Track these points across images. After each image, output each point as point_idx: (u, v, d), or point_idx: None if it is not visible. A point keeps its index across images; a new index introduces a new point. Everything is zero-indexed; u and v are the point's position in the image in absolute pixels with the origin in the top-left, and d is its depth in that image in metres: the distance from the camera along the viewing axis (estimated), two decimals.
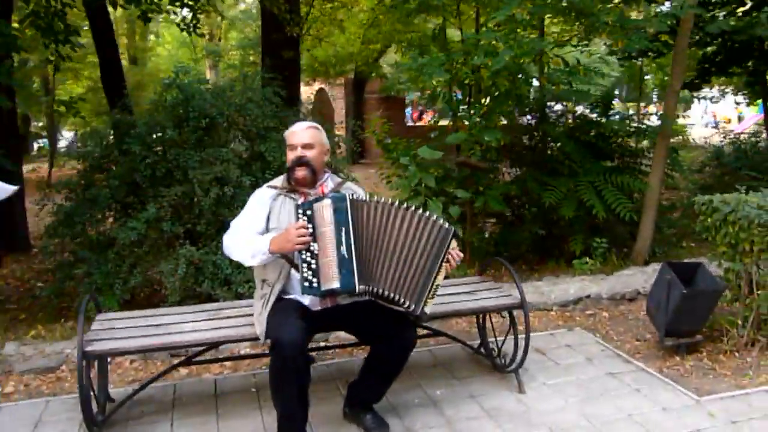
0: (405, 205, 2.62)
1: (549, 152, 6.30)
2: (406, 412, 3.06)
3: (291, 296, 2.76)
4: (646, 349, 3.86)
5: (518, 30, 4.95)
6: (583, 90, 5.84)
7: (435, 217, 2.62)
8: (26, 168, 10.02)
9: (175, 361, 3.31)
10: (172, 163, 4.67)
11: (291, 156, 2.77)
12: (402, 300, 2.56)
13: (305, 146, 2.76)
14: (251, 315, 2.85)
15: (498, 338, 3.55)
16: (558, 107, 6.55)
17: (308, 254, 2.51)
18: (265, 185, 2.90)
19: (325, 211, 2.50)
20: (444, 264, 2.63)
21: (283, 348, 2.46)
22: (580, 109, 6.92)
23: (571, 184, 5.60)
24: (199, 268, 4.36)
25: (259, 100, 5.19)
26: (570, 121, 6.47)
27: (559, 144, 6.02)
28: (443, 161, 5.58)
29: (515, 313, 3.29)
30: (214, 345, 2.91)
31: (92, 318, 3.12)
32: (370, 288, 2.55)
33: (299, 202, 2.69)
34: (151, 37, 27.38)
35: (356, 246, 2.52)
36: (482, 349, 3.63)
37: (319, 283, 2.50)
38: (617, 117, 6.49)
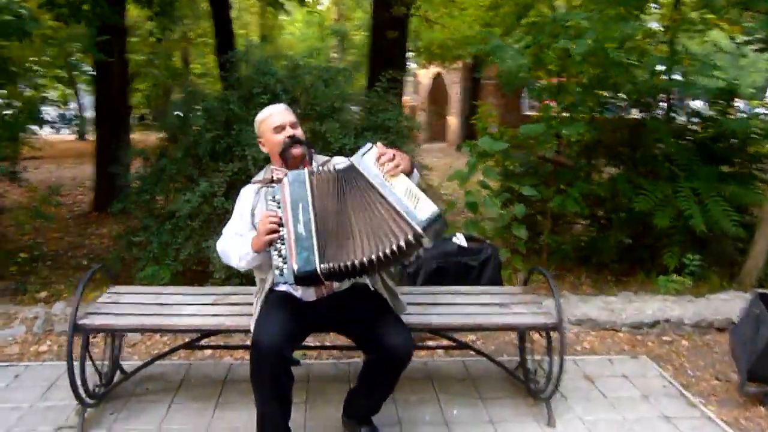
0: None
1: (653, 152, 5.59)
2: (411, 430, 2.75)
3: (286, 289, 2.54)
4: (724, 393, 3.26)
5: (608, 11, 4.35)
6: (692, 82, 5.06)
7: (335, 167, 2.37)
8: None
9: (180, 341, 3.20)
10: (233, 138, 4.61)
11: (278, 138, 2.57)
12: (389, 247, 2.17)
13: (293, 125, 2.60)
14: (251, 306, 2.67)
15: (539, 358, 3.13)
16: (668, 102, 5.79)
17: (279, 241, 2.31)
18: (249, 184, 2.72)
19: (285, 190, 2.30)
20: (388, 181, 2.20)
21: (259, 350, 2.25)
22: (698, 104, 6.10)
23: (669, 190, 4.90)
24: None
25: (330, 78, 5.01)
26: (679, 117, 5.69)
27: (662, 144, 5.30)
28: (526, 154, 5.12)
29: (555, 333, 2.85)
30: (205, 333, 2.77)
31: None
32: (338, 264, 2.22)
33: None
34: (282, 16, 28.36)
35: (317, 220, 2.25)
36: (519, 369, 3.22)
37: (289, 269, 2.26)
38: (744, 115, 5.62)
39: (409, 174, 2.26)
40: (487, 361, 3.32)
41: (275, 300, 2.49)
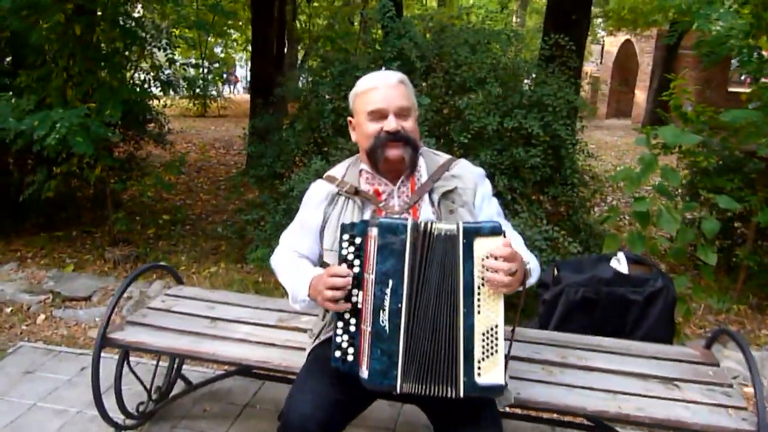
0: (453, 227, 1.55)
1: None
2: None
3: None
4: None
5: None
6: None
7: (445, 225, 1.55)
8: None
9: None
10: None
11: (372, 128, 1.75)
12: (434, 390, 1.53)
13: (402, 112, 1.75)
14: None
15: None
16: None
17: (348, 305, 1.59)
18: (322, 178, 1.95)
19: (370, 244, 1.56)
20: (478, 294, 1.50)
21: (285, 428, 1.61)
22: None
23: None
24: None
25: (479, 43, 4.17)
26: None
27: None
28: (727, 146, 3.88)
29: None
30: (243, 369, 2.19)
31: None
32: (418, 387, 1.53)
33: (366, 214, 1.78)
34: None
35: (409, 315, 1.52)
36: None
37: (356, 356, 1.57)
38: None
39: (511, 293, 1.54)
40: None
41: (324, 357, 1.75)
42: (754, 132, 3.31)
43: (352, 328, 1.57)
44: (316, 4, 16.28)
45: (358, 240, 1.57)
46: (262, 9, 7.26)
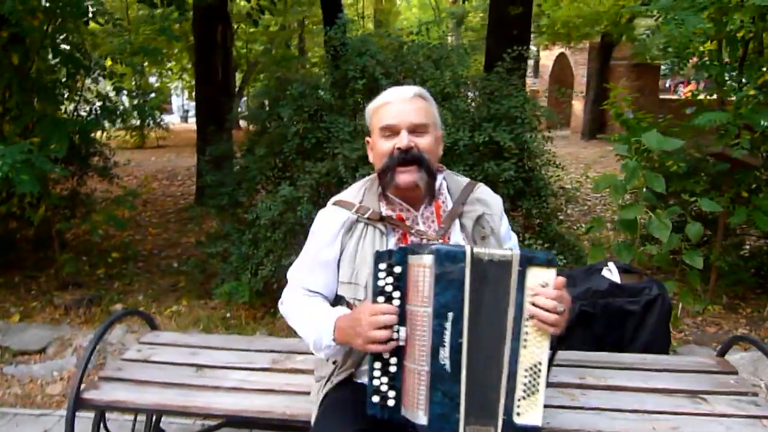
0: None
1: None
2: None
3: (363, 379, 1.66)
4: None
5: None
6: None
7: (500, 251, 1.42)
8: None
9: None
10: (324, 133, 3.84)
11: (385, 146, 1.61)
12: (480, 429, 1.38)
13: (416, 129, 1.60)
14: None
15: None
16: None
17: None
18: (331, 202, 1.76)
19: (420, 274, 1.38)
20: (526, 326, 1.38)
21: None
22: None
23: None
24: None
25: (441, 58, 4.11)
26: None
27: None
28: (696, 149, 3.94)
29: None
30: (239, 424, 1.99)
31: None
32: (484, 430, 1.38)
33: (389, 240, 1.61)
34: (399, 1, 27.62)
35: (470, 351, 1.37)
36: None
37: (398, 400, 1.40)
38: None
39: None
40: None
41: (348, 398, 1.60)
42: (724, 134, 3.34)
43: (393, 369, 1.39)
44: (252, 29, 16.08)
45: (397, 269, 1.40)
46: (205, 35, 7.04)
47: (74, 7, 3.60)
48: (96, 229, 4.65)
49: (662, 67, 18.88)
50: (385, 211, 1.66)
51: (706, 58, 3.89)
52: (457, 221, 1.67)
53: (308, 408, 1.80)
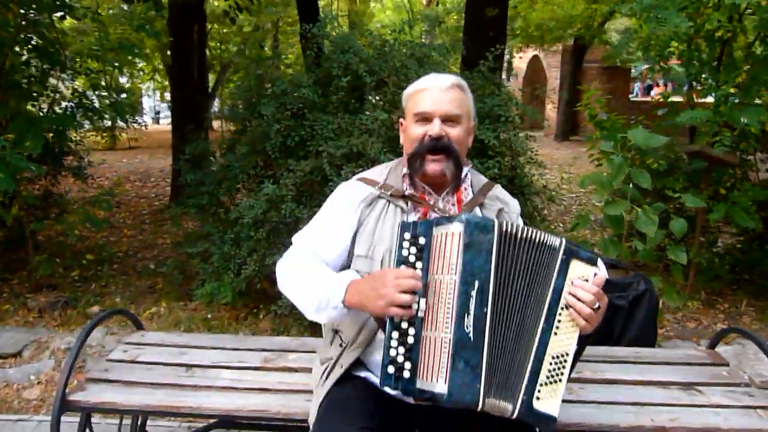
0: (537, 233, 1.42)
1: None
2: None
3: (366, 374, 1.64)
4: None
5: None
6: None
7: (543, 235, 1.42)
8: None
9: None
10: (307, 130, 3.80)
11: (418, 132, 1.63)
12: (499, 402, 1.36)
13: (449, 119, 1.62)
14: None
15: None
16: None
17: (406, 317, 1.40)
18: (354, 178, 1.78)
19: (448, 242, 1.37)
20: (560, 314, 1.39)
21: None
22: None
23: None
24: None
25: (424, 57, 4.10)
26: None
27: None
28: (666, 150, 4.00)
29: None
30: (222, 421, 1.95)
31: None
32: (501, 403, 1.36)
33: (410, 219, 1.60)
34: (373, 2, 27.63)
35: (494, 321, 1.36)
36: None
37: (413, 372, 1.37)
38: None
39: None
40: None
41: (350, 395, 1.57)
42: (705, 132, 3.40)
43: (410, 340, 1.37)
44: (225, 30, 15.91)
45: (422, 240, 1.40)
46: (182, 33, 6.93)
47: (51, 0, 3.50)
48: (72, 229, 4.53)
49: (633, 71, 19.25)
50: (408, 191, 1.68)
51: (683, 59, 3.94)
52: (477, 209, 1.68)
53: (304, 406, 1.77)
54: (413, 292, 1.35)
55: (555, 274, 1.39)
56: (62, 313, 4.11)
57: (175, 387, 1.90)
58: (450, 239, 1.36)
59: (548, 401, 1.37)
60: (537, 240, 1.40)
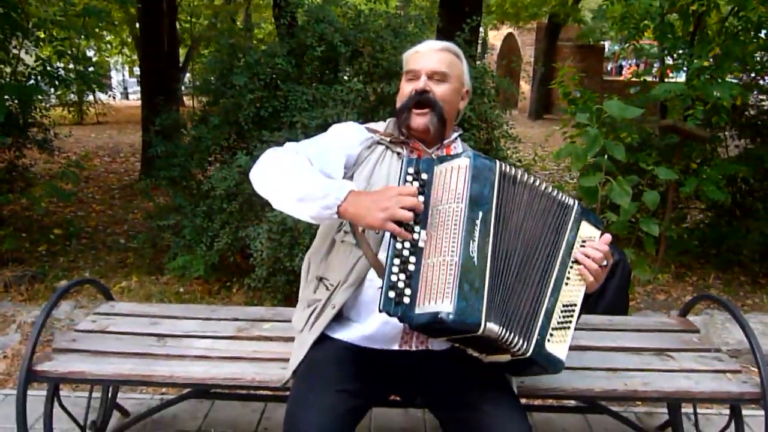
0: (549, 187, 1.51)
1: None
2: None
3: (345, 335, 1.62)
4: None
5: None
6: None
7: (555, 191, 1.52)
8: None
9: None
10: (281, 102, 3.74)
11: (407, 89, 1.68)
12: (513, 338, 1.38)
13: (434, 76, 1.66)
14: (290, 340, 1.79)
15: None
16: None
17: (406, 243, 1.39)
18: (358, 122, 1.82)
19: (454, 174, 1.41)
20: (571, 268, 1.48)
21: None
22: None
23: None
24: (295, 238, 3.42)
25: (400, 27, 4.04)
26: None
27: None
28: (640, 123, 4.03)
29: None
30: (205, 389, 1.92)
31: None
32: (500, 330, 1.36)
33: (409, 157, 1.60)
34: None
35: (495, 250, 1.39)
36: None
37: (413, 299, 1.36)
38: None
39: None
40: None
41: (328, 358, 1.56)
42: (679, 106, 3.42)
43: (411, 267, 1.37)
44: (196, 2, 15.52)
45: (424, 176, 1.44)
46: (151, 3, 6.74)
47: None
48: (39, 202, 4.40)
49: (606, 51, 19.36)
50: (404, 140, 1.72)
51: (656, 35, 3.95)
52: None
53: (279, 374, 1.75)
54: (414, 214, 1.37)
55: (568, 229, 1.49)
56: (29, 288, 4.01)
57: (147, 356, 1.86)
58: (456, 172, 1.41)
59: (558, 345, 1.43)
60: (542, 189, 1.48)
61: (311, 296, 1.69)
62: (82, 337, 1.98)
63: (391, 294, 1.36)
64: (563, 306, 1.45)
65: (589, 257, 1.47)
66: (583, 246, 1.49)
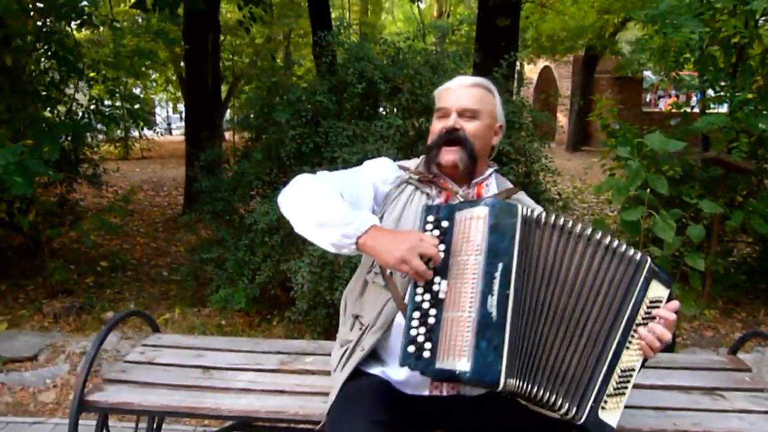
0: (587, 229, 1.43)
1: None
2: None
3: (377, 369, 1.63)
4: None
5: None
6: None
7: (623, 246, 1.42)
8: None
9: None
10: (322, 137, 3.82)
11: (438, 126, 1.68)
12: (553, 399, 1.36)
13: (465, 113, 1.65)
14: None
15: None
16: None
17: (426, 294, 1.39)
18: (396, 157, 1.86)
19: (473, 225, 1.38)
20: (635, 332, 1.41)
21: None
22: None
23: None
24: (335, 272, 3.46)
25: (438, 63, 4.12)
26: None
27: None
28: (682, 156, 3.98)
29: None
30: (248, 421, 1.94)
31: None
32: (524, 386, 1.34)
33: (433, 203, 1.61)
34: (384, 14, 27.78)
35: (516, 303, 1.35)
36: None
37: (433, 353, 1.36)
38: None
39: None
40: None
41: (363, 390, 1.57)
42: (723, 138, 3.37)
43: (431, 320, 1.37)
44: (238, 41, 16.02)
45: (444, 224, 1.42)
46: (197, 41, 7.00)
47: (70, 8, 3.54)
48: (88, 236, 4.56)
49: (645, 80, 19.19)
50: (435, 179, 1.71)
51: (697, 67, 3.92)
52: None
53: (322, 408, 1.75)
54: (430, 262, 1.37)
55: (637, 290, 1.41)
56: (77, 319, 4.13)
57: (192, 388, 1.89)
58: (474, 222, 1.38)
59: (612, 412, 1.39)
60: (577, 231, 1.42)
61: (346, 335, 1.71)
62: (131, 368, 2.03)
63: (411, 349, 1.36)
64: (621, 371, 1.39)
65: (655, 334, 1.40)
66: (649, 313, 1.41)
